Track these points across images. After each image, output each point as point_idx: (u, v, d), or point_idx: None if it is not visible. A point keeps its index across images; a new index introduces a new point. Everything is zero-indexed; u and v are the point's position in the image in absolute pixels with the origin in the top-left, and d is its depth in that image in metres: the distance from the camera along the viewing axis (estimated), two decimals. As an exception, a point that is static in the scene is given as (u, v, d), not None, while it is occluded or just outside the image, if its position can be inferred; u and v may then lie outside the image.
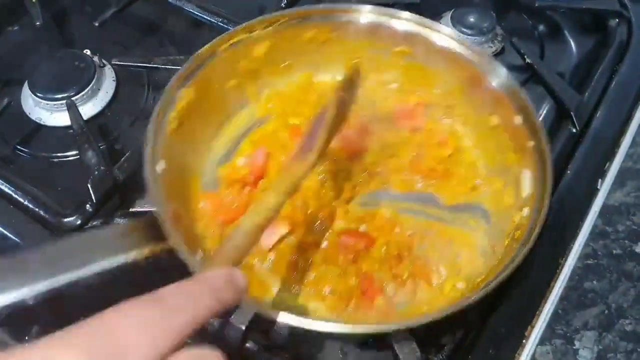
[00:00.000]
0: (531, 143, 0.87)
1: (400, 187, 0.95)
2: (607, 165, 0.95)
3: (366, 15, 1.01)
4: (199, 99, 0.94)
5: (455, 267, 0.86)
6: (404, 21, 1.00)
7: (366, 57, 1.05)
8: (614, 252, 0.85)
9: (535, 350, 0.78)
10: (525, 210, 0.83)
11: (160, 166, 0.84)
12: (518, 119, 0.90)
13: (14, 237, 0.90)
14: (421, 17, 1.00)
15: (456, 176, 0.96)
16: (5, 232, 0.90)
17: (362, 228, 0.90)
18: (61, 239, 0.72)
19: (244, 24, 0.98)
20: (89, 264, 0.69)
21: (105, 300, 0.79)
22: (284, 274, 0.85)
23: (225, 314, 0.65)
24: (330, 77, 1.06)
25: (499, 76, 0.94)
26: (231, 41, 0.97)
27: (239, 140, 1.00)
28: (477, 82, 0.97)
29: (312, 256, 0.87)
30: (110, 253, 0.71)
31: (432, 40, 0.99)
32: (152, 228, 0.74)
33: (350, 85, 0.88)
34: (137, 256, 0.72)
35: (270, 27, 0.99)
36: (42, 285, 0.66)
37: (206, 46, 0.94)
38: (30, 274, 0.66)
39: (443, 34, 0.99)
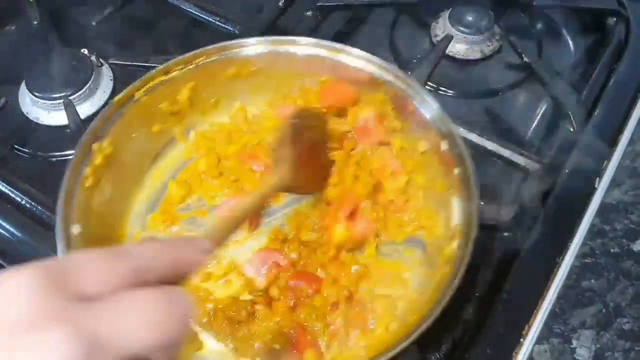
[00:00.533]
0: (457, 170, 0.85)
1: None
2: (604, 163, 0.95)
3: (266, 46, 0.98)
4: (118, 150, 0.89)
5: (390, 306, 0.84)
6: (306, 47, 0.97)
7: (295, 86, 1.02)
8: (612, 250, 0.85)
9: (532, 349, 0.78)
10: (455, 243, 0.80)
11: (76, 229, 0.79)
12: (444, 145, 0.87)
13: (10, 237, 0.90)
14: (325, 41, 0.97)
15: (408, 209, 0.92)
16: (4, 231, 0.90)
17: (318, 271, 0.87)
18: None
19: (160, 67, 0.94)
20: None
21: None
22: (220, 328, 0.82)
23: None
24: (260, 109, 1.04)
25: (420, 98, 0.91)
26: (148, 85, 0.93)
27: (166, 184, 0.96)
28: (403, 106, 0.94)
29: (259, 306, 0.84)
30: None
31: (351, 65, 0.96)
32: None
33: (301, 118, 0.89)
34: None
35: (189, 67, 0.95)
36: None
37: (121, 94, 0.90)
38: None
39: (359, 58, 0.95)
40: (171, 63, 0.94)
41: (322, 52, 0.97)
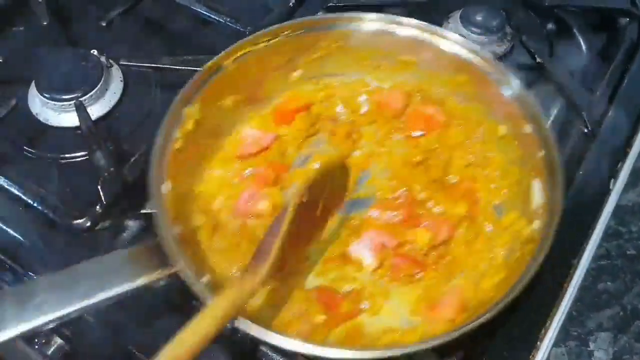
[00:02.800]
0: (541, 153, 0.86)
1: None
2: (619, 165, 0.95)
3: (372, 23, 1.01)
4: (206, 116, 0.93)
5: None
6: (409, 28, 1.00)
7: (376, 65, 1.05)
8: (628, 252, 0.85)
9: (550, 352, 0.77)
10: (537, 223, 0.82)
11: (167, 187, 0.83)
12: (528, 128, 0.89)
13: (22, 239, 0.90)
14: (427, 24, 1.00)
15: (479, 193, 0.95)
16: (15, 233, 0.90)
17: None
18: (68, 268, 0.72)
19: (248, 37, 0.97)
20: (96, 293, 0.69)
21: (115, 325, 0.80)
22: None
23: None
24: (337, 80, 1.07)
25: (508, 82, 0.93)
26: (236, 55, 0.95)
27: None
28: (486, 89, 0.96)
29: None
30: (117, 280, 0.71)
31: (440, 47, 0.98)
32: (158, 252, 0.74)
33: (315, 188, 0.83)
34: (144, 282, 0.72)
35: (276, 39, 0.98)
36: (49, 317, 0.67)
37: (210, 61, 0.93)
38: (37, 306, 0.67)
39: (450, 40, 0.98)
40: (260, 34, 0.97)
41: (398, 30, 1.00)
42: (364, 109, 1.04)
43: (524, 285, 0.72)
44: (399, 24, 1.00)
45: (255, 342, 0.77)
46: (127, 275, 0.71)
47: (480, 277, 0.85)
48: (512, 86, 0.93)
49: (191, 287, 0.72)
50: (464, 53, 0.97)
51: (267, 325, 0.77)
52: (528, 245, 0.81)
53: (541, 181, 0.85)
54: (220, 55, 0.94)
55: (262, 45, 0.97)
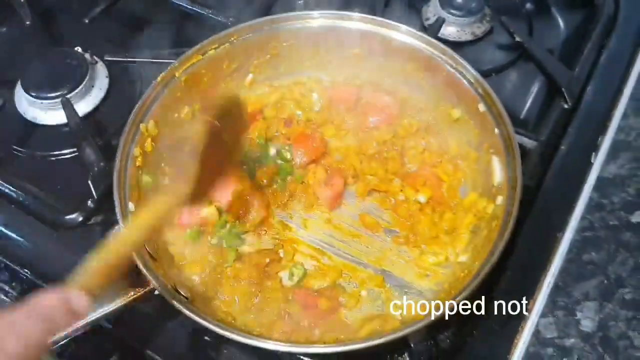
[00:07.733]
0: (497, 130, 0.88)
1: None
2: (600, 139, 0.96)
3: (319, 20, 1.01)
4: (162, 130, 0.93)
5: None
6: (355, 21, 1.00)
7: (327, 61, 1.06)
8: (611, 223, 0.86)
9: (538, 323, 0.79)
10: (499, 199, 0.84)
11: (132, 206, 0.83)
12: (482, 107, 0.91)
13: (16, 237, 0.91)
14: (373, 16, 1.00)
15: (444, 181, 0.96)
16: (8, 232, 0.91)
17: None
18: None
19: (197, 46, 0.96)
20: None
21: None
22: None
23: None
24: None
25: (457, 64, 0.94)
26: (187, 64, 0.96)
27: None
28: (437, 75, 0.97)
29: None
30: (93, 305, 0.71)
31: (388, 37, 0.99)
32: (132, 272, 0.75)
33: (224, 113, 0.83)
34: (122, 302, 0.73)
35: (224, 45, 0.98)
36: None
37: (161, 75, 0.93)
38: None
39: (397, 30, 0.98)
40: (207, 42, 0.97)
41: (345, 24, 1.00)
42: (317, 107, 1.05)
43: (493, 264, 0.74)
44: (345, 18, 1.00)
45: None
46: (102, 299, 0.72)
47: (445, 259, 0.88)
48: (462, 68, 0.94)
49: (170, 302, 0.73)
50: (411, 41, 0.97)
51: (251, 327, 0.81)
52: (493, 222, 0.82)
53: (500, 158, 0.87)
54: (170, 67, 0.94)
55: (211, 52, 0.97)
